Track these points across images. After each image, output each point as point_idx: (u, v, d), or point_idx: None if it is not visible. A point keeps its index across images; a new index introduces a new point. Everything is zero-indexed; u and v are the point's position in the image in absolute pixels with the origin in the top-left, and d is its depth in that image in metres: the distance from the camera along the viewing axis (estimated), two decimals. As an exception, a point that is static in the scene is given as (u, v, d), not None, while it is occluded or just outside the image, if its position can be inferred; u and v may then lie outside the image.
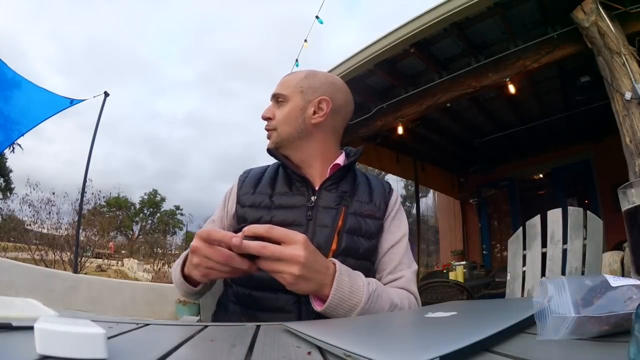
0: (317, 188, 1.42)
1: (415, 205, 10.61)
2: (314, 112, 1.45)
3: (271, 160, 1.57)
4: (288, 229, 1.04)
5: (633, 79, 3.87)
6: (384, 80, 6.10)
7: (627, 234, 0.85)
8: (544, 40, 4.88)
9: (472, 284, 5.74)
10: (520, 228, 2.66)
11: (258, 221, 1.34)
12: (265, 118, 1.50)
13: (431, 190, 11.98)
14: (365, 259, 1.38)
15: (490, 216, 10.63)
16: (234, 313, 1.35)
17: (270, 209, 1.39)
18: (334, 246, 1.33)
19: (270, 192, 1.44)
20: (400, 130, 6.47)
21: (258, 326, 0.83)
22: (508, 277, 2.61)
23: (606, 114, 7.02)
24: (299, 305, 1.25)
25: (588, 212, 2.42)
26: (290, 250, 0.99)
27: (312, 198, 1.39)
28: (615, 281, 0.63)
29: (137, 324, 0.79)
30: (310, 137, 1.47)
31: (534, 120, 7.64)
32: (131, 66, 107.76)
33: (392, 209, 1.51)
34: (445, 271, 6.62)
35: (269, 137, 1.50)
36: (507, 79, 5.25)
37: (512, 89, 5.40)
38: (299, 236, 1.02)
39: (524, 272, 2.57)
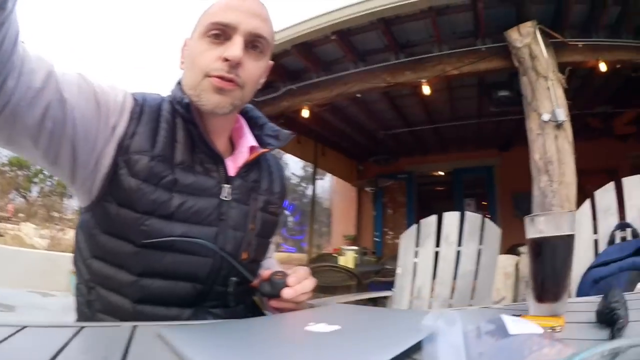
0: (233, 173, 1.10)
1: (311, 187, 10.57)
2: None
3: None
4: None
5: (556, 103, 4.01)
6: (299, 62, 5.76)
7: (530, 261, 0.89)
8: (471, 51, 4.83)
9: (363, 270, 5.72)
10: (415, 225, 2.68)
11: (154, 212, 0.96)
12: (236, 63, 1.00)
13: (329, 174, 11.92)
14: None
15: (385, 205, 10.71)
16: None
17: (171, 190, 0.99)
18: (245, 255, 1.10)
19: (171, 156, 1.01)
20: (306, 113, 6.23)
21: (134, 327, 0.77)
22: (399, 271, 2.63)
23: (517, 127, 7.29)
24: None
25: (487, 219, 2.47)
26: (309, 283, 1.05)
27: (227, 188, 1.06)
28: (513, 326, 0.60)
29: (16, 327, 0.72)
30: None
31: (443, 122, 7.69)
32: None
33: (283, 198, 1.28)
34: (336, 255, 6.47)
35: (223, 92, 1.01)
36: (424, 80, 5.13)
37: (426, 90, 5.28)
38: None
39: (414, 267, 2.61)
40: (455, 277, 2.50)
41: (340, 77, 5.73)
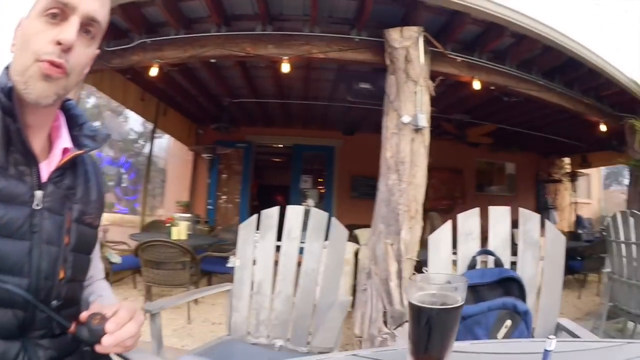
0: (45, 178, 0.98)
1: (149, 145, 9.95)
2: None
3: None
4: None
5: (420, 109, 4.08)
6: (161, 14, 5.15)
7: (410, 322, 0.84)
8: (343, 39, 4.75)
9: (196, 243, 5.72)
10: (255, 215, 2.58)
11: None
12: (67, 47, 0.91)
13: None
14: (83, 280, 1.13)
15: (221, 173, 10.51)
16: None
17: None
18: (61, 274, 0.99)
19: None
20: (154, 71, 5.67)
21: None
22: (237, 263, 2.53)
23: (365, 116, 7.55)
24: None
25: (333, 218, 2.48)
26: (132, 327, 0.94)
27: (38, 194, 0.95)
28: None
29: None
30: None
31: (293, 98, 7.65)
32: None
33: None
34: (169, 225, 6.18)
35: (50, 79, 0.91)
36: (286, 57, 4.93)
37: (286, 67, 5.08)
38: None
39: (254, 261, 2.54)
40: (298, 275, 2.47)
41: (197, 38, 5.29)
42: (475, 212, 2.07)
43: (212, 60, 5.54)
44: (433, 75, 4.42)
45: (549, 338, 0.93)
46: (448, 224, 2.04)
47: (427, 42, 4.31)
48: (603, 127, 7.79)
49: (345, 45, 4.71)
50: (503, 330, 1.70)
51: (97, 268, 1.23)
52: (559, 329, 1.93)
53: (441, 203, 10.74)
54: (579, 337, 1.68)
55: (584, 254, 7.13)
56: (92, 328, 0.91)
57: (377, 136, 4.38)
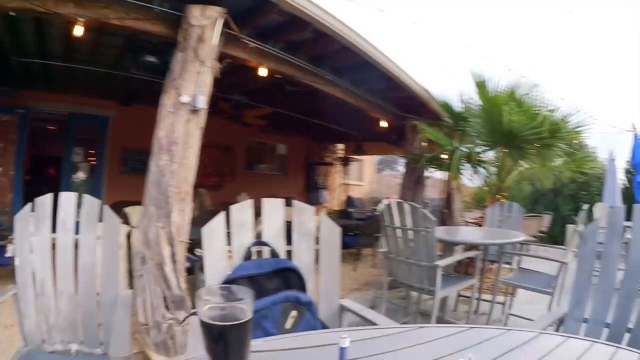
0: None
1: None
2: None
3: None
4: None
5: (201, 90, 3.98)
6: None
7: (205, 338, 0.84)
8: (142, 7, 4.34)
9: None
10: (30, 204, 2.29)
11: None
12: None
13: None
14: None
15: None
16: None
17: None
18: None
19: None
20: None
21: None
22: (17, 262, 2.20)
23: (145, 87, 7.16)
24: None
25: (106, 207, 2.28)
26: None
27: None
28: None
29: None
30: None
31: (78, 63, 6.92)
32: None
33: None
34: None
35: None
36: (82, 20, 4.41)
37: (79, 30, 4.56)
38: None
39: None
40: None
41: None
42: (248, 203, 2.07)
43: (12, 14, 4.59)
44: (221, 57, 4.34)
45: (341, 337, 0.96)
46: (221, 216, 1.99)
47: (225, 24, 4.22)
48: (384, 124, 8.81)
49: (144, 14, 4.36)
50: (290, 321, 1.78)
51: None
52: (342, 310, 2.04)
53: (210, 180, 10.92)
54: (363, 316, 1.82)
55: (357, 231, 7.83)
56: None
57: (155, 110, 4.12)
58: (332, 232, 2.16)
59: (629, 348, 1.30)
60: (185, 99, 3.88)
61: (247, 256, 1.98)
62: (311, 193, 14.81)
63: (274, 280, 1.91)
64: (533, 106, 6.38)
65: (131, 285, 3.85)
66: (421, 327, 1.38)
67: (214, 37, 4.08)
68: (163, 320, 3.53)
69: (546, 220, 11.23)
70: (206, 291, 0.93)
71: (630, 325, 1.91)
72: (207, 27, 4.02)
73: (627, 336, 1.90)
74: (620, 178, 11.95)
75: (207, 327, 0.83)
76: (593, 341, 1.32)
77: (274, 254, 2.03)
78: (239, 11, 4.51)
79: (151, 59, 5.29)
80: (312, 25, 4.88)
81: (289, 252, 2.11)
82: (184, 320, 3.44)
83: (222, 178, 11.84)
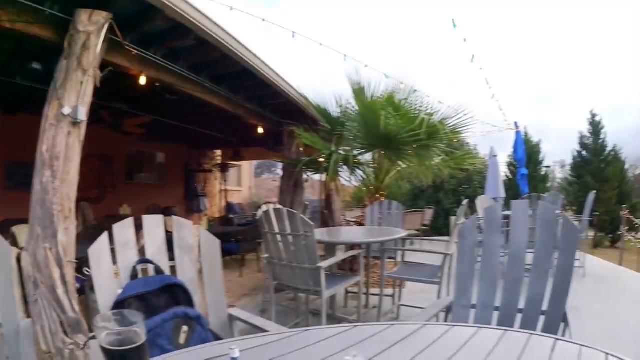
0: None
1: None
2: None
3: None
4: None
5: (82, 101, 3.78)
6: None
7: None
8: (33, 9, 3.97)
9: None
10: None
11: None
12: None
13: None
14: None
15: None
16: None
17: None
18: None
19: None
20: None
21: None
22: None
23: (33, 96, 6.55)
24: None
25: None
26: None
27: None
28: None
29: None
30: None
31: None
32: None
33: None
34: None
35: None
36: None
37: None
38: None
39: None
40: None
41: None
42: (129, 221, 2.06)
43: None
44: (103, 65, 4.14)
45: (230, 348, 1.02)
46: (105, 235, 1.96)
47: (110, 30, 4.05)
48: (260, 130, 8.90)
49: (34, 17, 4.00)
50: (183, 336, 1.78)
51: None
52: (232, 319, 2.06)
53: (91, 192, 10.40)
54: (253, 324, 1.85)
55: (239, 237, 7.76)
56: None
57: (40, 120, 3.83)
58: (212, 245, 2.19)
59: (518, 329, 1.44)
60: (67, 110, 3.67)
61: (134, 275, 1.98)
62: (191, 201, 14.57)
63: (162, 297, 1.93)
64: (411, 110, 6.79)
65: (27, 312, 3.58)
66: (307, 330, 1.43)
67: (99, 44, 3.90)
68: (64, 347, 3.31)
69: (428, 214, 12.06)
70: (101, 318, 0.96)
71: (521, 307, 2.10)
72: (93, 33, 3.84)
73: (519, 316, 2.09)
74: (504, 171, 13.14)
75: (108, 353, 0.87)
76: (479, 327, 1.42)
77: (158, 270, 2.05)
78: (124, 17, 4.33)
79: (37, 66, 5.00)
80: (194, 33, 4.84)
81: (172, 268, 2.12)
82: (84, 345, 3.27)
83: (103, 190, 11.29)
